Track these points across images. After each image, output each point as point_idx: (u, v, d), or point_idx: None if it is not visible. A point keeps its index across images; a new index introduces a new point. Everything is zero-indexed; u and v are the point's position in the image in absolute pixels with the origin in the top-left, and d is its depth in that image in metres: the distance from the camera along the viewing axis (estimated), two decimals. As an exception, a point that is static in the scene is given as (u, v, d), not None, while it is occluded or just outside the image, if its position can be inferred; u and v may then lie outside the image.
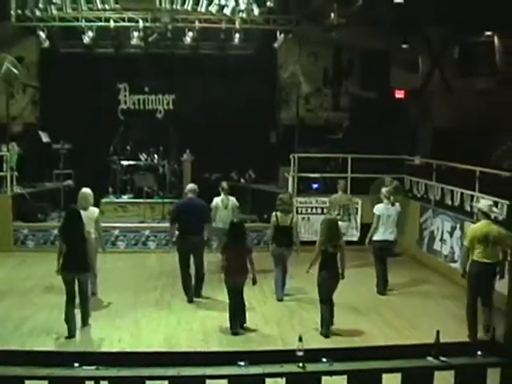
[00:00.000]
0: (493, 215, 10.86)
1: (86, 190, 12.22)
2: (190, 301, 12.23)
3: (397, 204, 13.29)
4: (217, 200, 13.97)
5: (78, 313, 10.45)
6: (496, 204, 12.54)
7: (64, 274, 10.20)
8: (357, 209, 16.70)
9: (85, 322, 10.54)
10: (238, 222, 11.23)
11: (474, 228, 10.61)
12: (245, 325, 10.74)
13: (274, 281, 12.70)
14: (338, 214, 14.73)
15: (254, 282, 10.74)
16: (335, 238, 10.51)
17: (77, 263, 10.19)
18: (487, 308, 10.45)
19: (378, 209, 13.09)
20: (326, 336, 10.32)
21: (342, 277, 10.60)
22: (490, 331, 10.19)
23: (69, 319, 10.13)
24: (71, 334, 10.09)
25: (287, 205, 12.66)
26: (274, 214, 12.59)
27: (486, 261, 10.23)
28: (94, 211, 12.20)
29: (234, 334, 10.47)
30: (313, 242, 11.32)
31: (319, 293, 10.60)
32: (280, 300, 12.39)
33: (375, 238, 13.01)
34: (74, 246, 10.20)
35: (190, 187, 12.84)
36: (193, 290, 12.37)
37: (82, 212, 11.73)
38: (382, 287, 13.03)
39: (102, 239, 12.56)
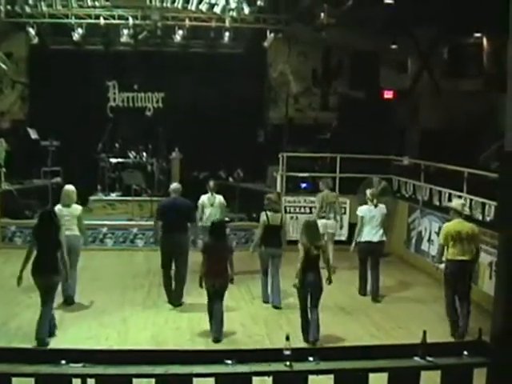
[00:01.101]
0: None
1: (69, 187, 12.11)
2: (171, 302, 12.10)
3: (381, 205, 13.18)
4: (203, 198, 13.90)
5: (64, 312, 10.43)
6: (484, 205, 12.65)
7: (36, 278, 9.74)
8: (344, 208, 16.71)
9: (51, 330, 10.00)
10: (218, 221, 11.06)
11: (448, 226, 10.79)
12: (221, 337, 10.24)
13: (261, 284, 12.45)
14: (324, 212, 14.71)
15: (231, 281, 10.45)
16: (316, 240, 10.15)
17: (48, 266, 9.72)
18: (464, 308, 10.56)
19: (361, 210, 13.05)
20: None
21: (329, 281, 10.20)
22: (463, 336, 10.33)
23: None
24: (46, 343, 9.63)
25: (276, 203, 12.58)
26: (263, 213, 12.36)
27: (460, 258, 10.41)
28: (77, 208, 12.03)
29: (215, 340, 10.13)
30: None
31: (299, 300, 10.18)
32: (266, 302, 12.21)
33: (359, 239, 12.94)
34: (46, 249, 9.77)
35: (174, 187, 12.71)
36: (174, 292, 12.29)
37: (64, 209, 11.72)
38: (374, 292, 12.80)
39: (85, 237, 12.35)
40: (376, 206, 13.02)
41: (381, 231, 12.92)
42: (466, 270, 10.53)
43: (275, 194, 13.70)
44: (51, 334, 9.97)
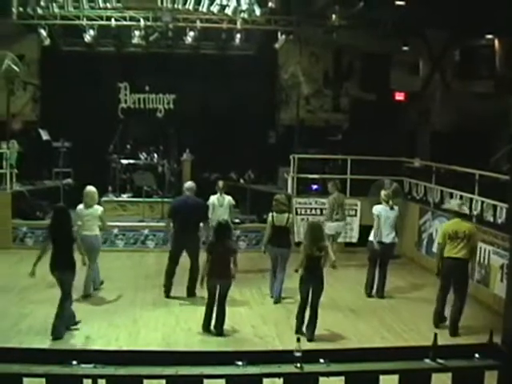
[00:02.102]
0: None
1: (91, 188, 12.26)
2: (167, 296, 12.39)
3: (395, 207, 13.17)
4: (213, 198, 13.85)
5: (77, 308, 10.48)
6: (495, 207, 12.62)
7: (54, 274, 10.07)
8: (355, 210, 16.68)
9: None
10: (223, 221, 11.09)
11: (446, 225, 11.11)
12: (221, 337, 10.36)
13: (269, 283, 12.71)
14: (337, 214, 14.72)
15: (233, 277, 10.48)
16: (319, 241, 10.35)
17: (64, 262, 9.98)
18: (457, 303, 10.71)
19: (377, 209, 13.00)
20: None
21: (334, 266, 10.42)
22: (455, 333, 10.39)
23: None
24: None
25: (283, 205, 12.58)
26: (270, 214, 12.54)
27: (454, 255, 10.54)
28: (98, 209, 12.22)
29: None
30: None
31: (300, 297, 10.44)
32: (276, 302, 12.29)
33: (371, 238, 12.90)
34: (61, 245, 10.03)
35: (188, 185, 12.87)
36: (171, 287, 12.48)
37: (86, 210, 11.86)
38: (379, 290, 12.88)
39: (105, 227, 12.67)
40: (392, 207, 12.98)
41: (393, 233, 12.90)
42: (460, 267, 10.67)
43: (283, 194, 13.69)
44: (68, 327, 10.20)
